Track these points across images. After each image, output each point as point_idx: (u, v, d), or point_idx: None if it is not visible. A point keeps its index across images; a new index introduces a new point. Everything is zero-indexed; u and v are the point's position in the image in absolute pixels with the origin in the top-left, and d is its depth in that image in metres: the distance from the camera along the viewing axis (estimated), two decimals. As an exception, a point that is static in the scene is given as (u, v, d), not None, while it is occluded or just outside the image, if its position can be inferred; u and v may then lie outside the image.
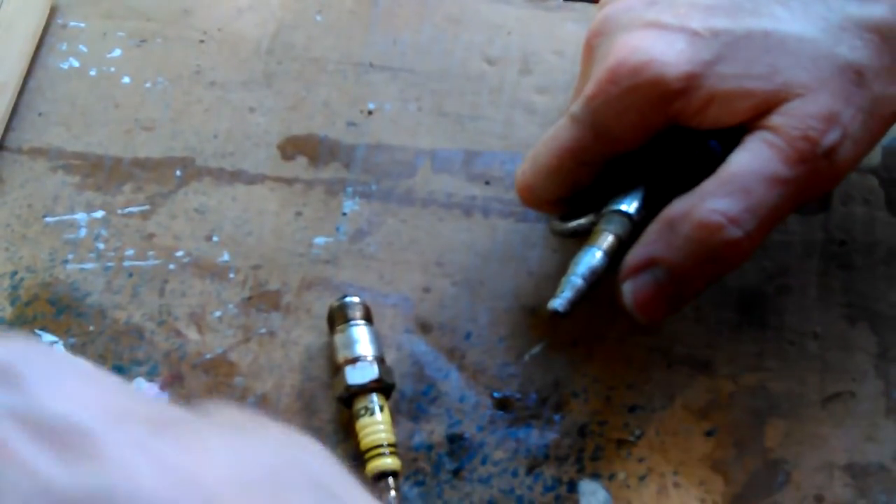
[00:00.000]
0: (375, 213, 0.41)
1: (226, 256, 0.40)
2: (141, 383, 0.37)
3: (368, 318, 0.37)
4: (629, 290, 0.33)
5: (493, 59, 0.44)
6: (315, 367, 0.38)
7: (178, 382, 0.37)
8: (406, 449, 0.36)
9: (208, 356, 0.38)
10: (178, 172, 0.42)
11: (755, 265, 0.39)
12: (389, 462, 0.34)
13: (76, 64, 0.45)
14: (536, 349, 0.38)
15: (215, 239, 0.40)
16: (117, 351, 0.38)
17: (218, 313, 0.39)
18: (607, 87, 0.33)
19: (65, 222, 0.41)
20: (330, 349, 0.37)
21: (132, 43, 0.45)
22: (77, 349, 0.38)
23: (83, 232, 0.40)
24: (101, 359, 0.38)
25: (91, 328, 0.38)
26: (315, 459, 0.22)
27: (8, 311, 0.39)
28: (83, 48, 0.45)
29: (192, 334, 0.38)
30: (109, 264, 0.40)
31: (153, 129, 0.43)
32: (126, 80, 0.44)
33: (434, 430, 0.36)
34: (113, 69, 0.45)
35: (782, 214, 0.33)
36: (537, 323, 0.38)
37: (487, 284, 0.39)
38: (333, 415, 0.37)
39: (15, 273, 0.40)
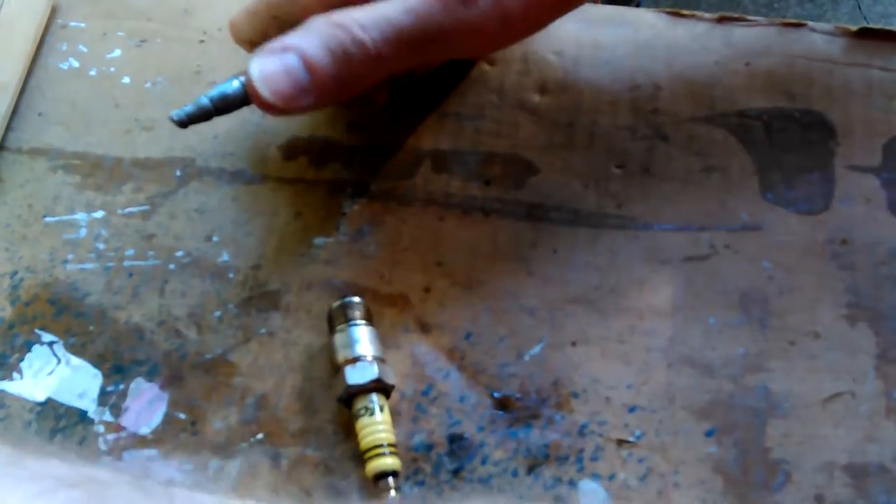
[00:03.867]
0: (375, 213, 0.41)
1: (226, 256, 0.40)
2: (141, 383, 0.37)
3: (368, 318, 0.37)
4: (256, 66, 0.35)
5: (493, 59, 0.44)
6: (315, 367, 0.38)
7: (178, 382, 0.37)
8: (406, 449, 0.36)
9: (208, 356, 0.38)
10: (178, 172, 0.42)
11: (755, 265, 0.39)
12: (389, 462, 0.34)
13: (76, 64, 0.45)
14: (536, 349, 0.38)
15: (215, 239, 0.40)
16: (117, 351, 0.38)
17: (218, 313, 0.39)
18: None
19: (65, 222, 0.41)
20: (330, 349, 0.37)
21: (132, 43, 0.45)
22: (77, 349, 0.38)
23: (83, 232, 0.41)
24: (101, 359, 0.38)
25: (91, 328, 0.38)
26: None
27: (8, 311, 0.39)
28: (83, 48, 0.45)
29: (192, 334, 0.38)
30: (109, 264, 0.40)
31: (153, 129, 0.43)
32: (126, 80, 0.44)
33: (434, 430, 0.36)
34: (113, 69, 0.45)
35: (412, 38, 0.35)
36: (537, 323, 0.38)
37: (487, 284, 0.39)
38: (333, 415, 0.37)
39: (15, 273, 0.40)
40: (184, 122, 0.36)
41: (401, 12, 0.35)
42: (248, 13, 0.39)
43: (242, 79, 0.37)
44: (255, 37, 0.39)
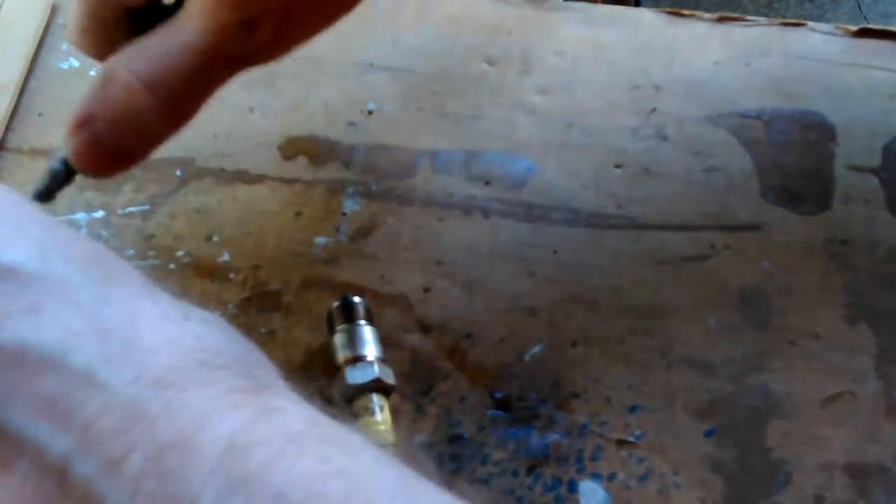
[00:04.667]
0: (375, 213, 0.41)
1: (226, 256, 0.40)
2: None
3: (368, 318, 0.37)
4: (70, 145, 0.34)
5: (493, 60, 0.44)
6: (315, 367, 0.37)
7: (178, 382, 0.37)
8: (406, 449, 0.36)
9: (208, 356, 0.38)
10: (178, 172, 0.42)
11: (755, 265, 0.39)
12: (389, 462, 0.34)
13: (76, 64, 0.45)
14: (536, 349, 0.38)
15: (215, 239, 0.40)
16: (117, 351, 0.38)
17: (218, 313, 0.39)
18: None
19: (65, 222, 0.41)
20: (330, 349, 0.37)
21: (132, 43, 0.45)
22: (77, 349, 0.38)
23: (83, 232, 0.40)
24: (101, 359, 0.38)
25: (91, 328, 0.38)
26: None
27: (8, 311, 0.39)
28: (83, 48, 0.45)
29: (192, 334, 0.38)
30: (109, 264, 0.40)
31: (153, 129, 0.43)
32: (126, 80, 0.44)
33: (434, 430, 0.36)
34: (113, 69, 0.45)
35: (201, 81, 0.33)
36: (537, 323, 0.38)
37: (487, 284, 0.39)
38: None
39: (15, 273, 0.40)
40: (44, 196, 0.35)
41: (182, 54, 0.32)
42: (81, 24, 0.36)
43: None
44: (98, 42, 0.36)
